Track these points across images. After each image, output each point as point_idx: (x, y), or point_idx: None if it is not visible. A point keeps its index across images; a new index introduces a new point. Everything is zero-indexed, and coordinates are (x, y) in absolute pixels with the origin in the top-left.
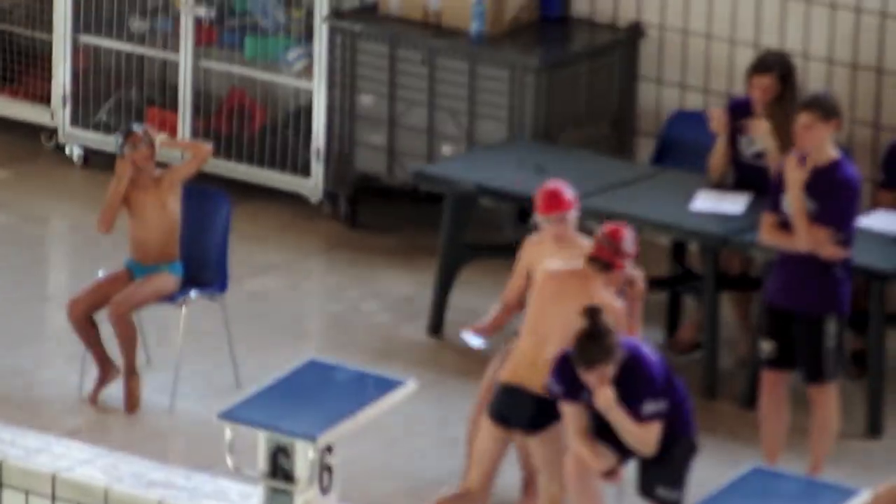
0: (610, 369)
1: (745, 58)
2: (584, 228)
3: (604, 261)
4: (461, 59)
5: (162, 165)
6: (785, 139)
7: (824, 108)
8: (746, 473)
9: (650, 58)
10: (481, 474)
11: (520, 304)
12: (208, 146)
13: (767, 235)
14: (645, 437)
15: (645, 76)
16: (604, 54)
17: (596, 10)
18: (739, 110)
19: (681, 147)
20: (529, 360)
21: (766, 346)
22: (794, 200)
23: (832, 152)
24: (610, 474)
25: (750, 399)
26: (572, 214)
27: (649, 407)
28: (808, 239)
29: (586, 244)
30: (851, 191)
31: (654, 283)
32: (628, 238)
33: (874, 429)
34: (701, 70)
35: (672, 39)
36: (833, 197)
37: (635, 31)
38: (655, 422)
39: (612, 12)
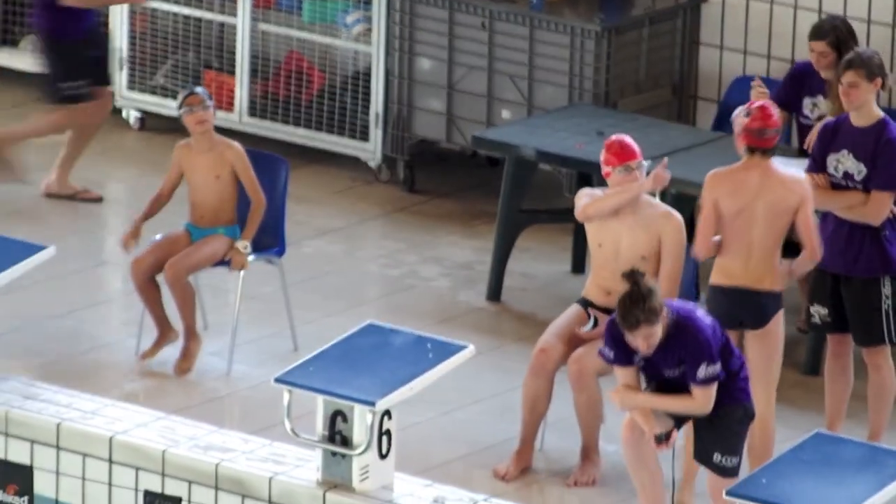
0: (656, 331)
1: (808, 23)
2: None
3: (759, 148)
4: (521, 24)
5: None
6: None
7: (868, 67)
8: (808, 439)
9: (712, 23)
10: None
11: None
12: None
13: (823, 198)
14: (696, 403)
15: (706, 41)
16: (665, 19)
17: None
18: (804, 75)
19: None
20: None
21: (820, 311)
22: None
23: (877, 111)
24: (663, 440)
25: (812, 366)
26: (643, 163)
27: (703, 370)
28: (873, 210)
29: (662, 205)
30: None
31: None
32: (765, 115)
33: None
34: (763, 35)
35: (734, 4)
36: (886, 159)
37: None
38: (710, 385)
39: None
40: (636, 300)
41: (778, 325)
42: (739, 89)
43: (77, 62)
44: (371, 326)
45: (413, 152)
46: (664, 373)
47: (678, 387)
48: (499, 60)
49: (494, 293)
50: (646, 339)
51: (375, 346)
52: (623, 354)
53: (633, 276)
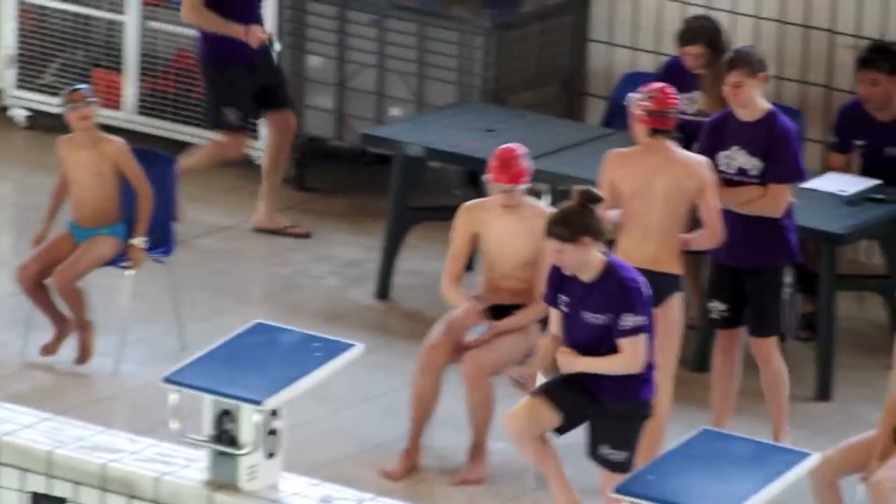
0: (567, 251)
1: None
2: (533, 191)
3: (660, 129)
4: (411, 21)
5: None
6: (722, 101)
7: (750, 64)
8: (695, 436)
9: (601, 19)
10: None
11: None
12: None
13: (720, 196)
14: (625, 357)
15: (596, 37)
16: (554, 15)
17: None
18: (674, 72)
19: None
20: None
21: (718, 306)
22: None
23: (764, 104)
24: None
25: (700, 363)
26: (524, 187)
27: (628, 320)
28: (772, 203)
29: (537, 207)
30: (794, 140)
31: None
32: (665, 95)
33: (823, 392)
34: (652, 31)
35: (623, 0)
36: (780, 151)
37: None
38: (635, 336)
39: None
40: (561, 215)
41: (674, 309)
42: (629, 85)
43: (235, 89)
44: (259, 325)
45: (303, 150)
46: (584, 317)
47: (595, 346)
48: (389, 58)
49: (383, 291)
50: (555, 255)
51: (263, 345)
52: (551, 293)
53: (581, 195)
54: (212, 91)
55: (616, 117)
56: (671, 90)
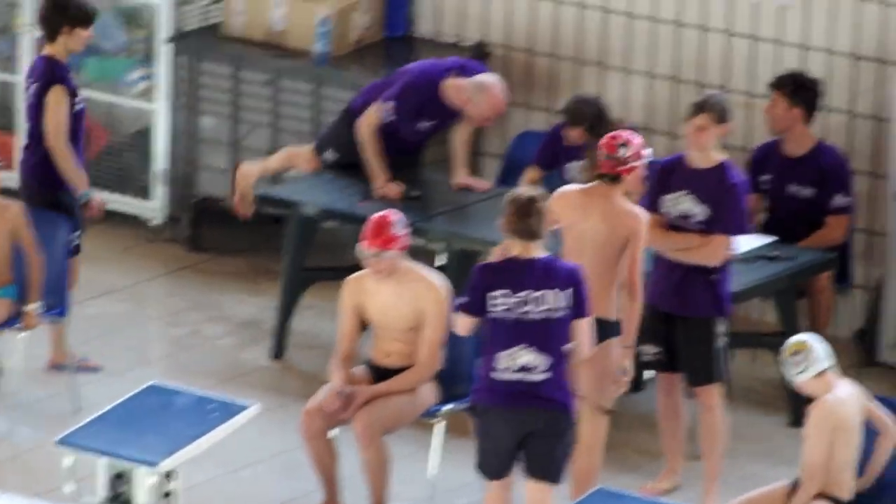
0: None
1: (591, 77)
2: (428, 252)
3: (609, 175)
4: (305, 80)
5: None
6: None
7: (718, 112)
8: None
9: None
10: None
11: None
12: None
13: (660, 238)
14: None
15: None
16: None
17: (440, 30)
18: (560, 141)
19: (525, 167)
20: None
21: (650, 350)
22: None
23: (717, 154)
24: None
25: None
26: (394, 254)
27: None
28: (713, 253)
29: (418, 271)
30: (743, 193)
31: None
32: (625, 142)
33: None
34: (546, 90)
35: (517, 59)
36: (728, 202)
37: (480, 51)
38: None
39: (457, 31)
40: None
41: (609, 354)
42: (523, 144)
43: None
44: (154, 387)
45: (197, 210)
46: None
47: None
48: (283, 118)
49: (278, 351)
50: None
51: (159, 406)
52: (479, 299)
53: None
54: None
55: (511, 176)
56: (620, 137)
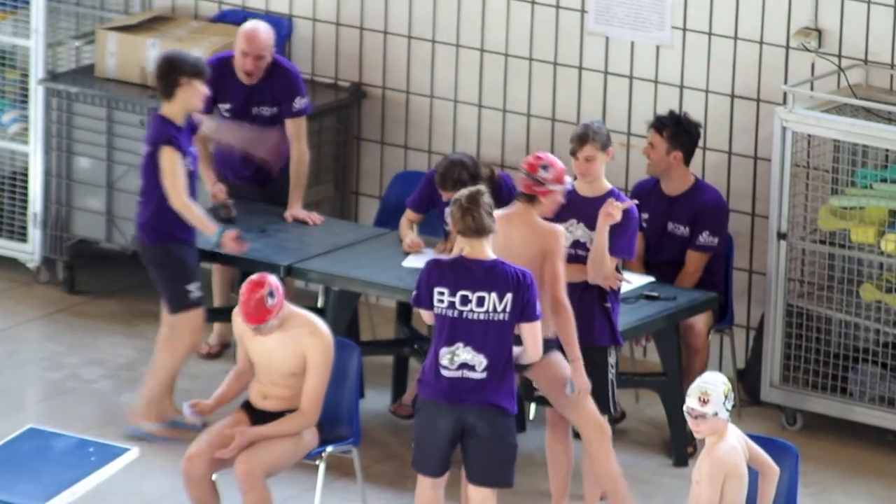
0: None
1: (468, 117)
2: (307, 292)
3: (527, 194)
4: None
5: None
6: None
7: (602, 139)
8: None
9: (373, 118)
10: None
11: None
12: None
13: None
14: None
15: (367, 137)
16: (325, 115)
17: (317, 71)
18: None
19: (403, 208)
20: None
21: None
22: (602, 239)
23: (606, 182)
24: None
25: None
26: (272, 323)
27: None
28: (604, 272)
29: (302, 316)
30: (633, 219)
31: (380, 346)
32: (547, 165)
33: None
34: (424, 130)
35: (394, 99)
36: (619, 228)
37: (357, 92)
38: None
39: (334, 73)
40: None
41: (551, 364)
42: (401, 185)
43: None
44: (32, 430)
45: (72, 252)
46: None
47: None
48: None
49: None
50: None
51: (37, 450)
52: (427, 293)
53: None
54: None
55: (389, 216)
56: (543, 159)
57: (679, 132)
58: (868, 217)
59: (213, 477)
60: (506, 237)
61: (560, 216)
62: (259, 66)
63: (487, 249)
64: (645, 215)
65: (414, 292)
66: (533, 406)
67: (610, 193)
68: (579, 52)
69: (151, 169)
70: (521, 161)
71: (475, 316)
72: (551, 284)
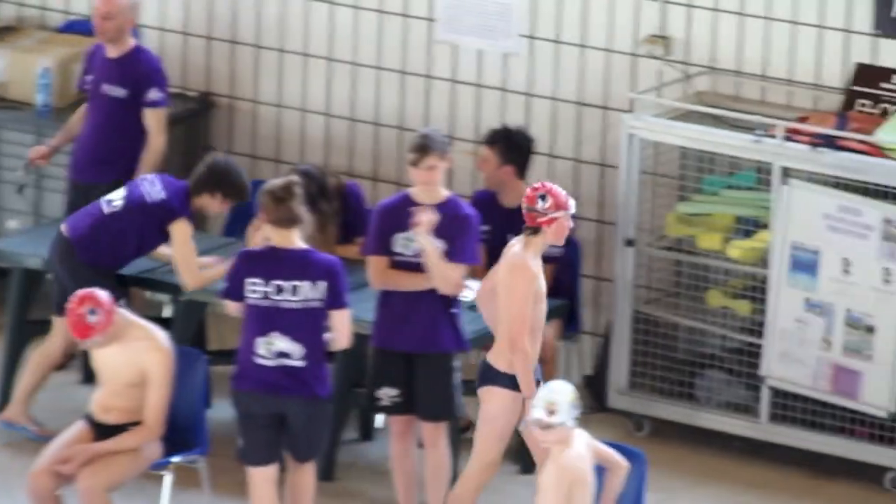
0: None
1: (317, 127)
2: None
3: (530, 227)
4: (27, 132)
5: None
6: (328, 239)
7: (442, 147)
8: None
9: (220, 128)
10: None
11: None
12: None
13: (382, 278)
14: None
15: (216, 146)
16: (173, 125)
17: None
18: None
19: (252, 217)
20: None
21: (389, 392)
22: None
23: (444, 190)
24: None
25: (326, 473)
26: (97, 339)
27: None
28: (450, 279)
29: (143, 328)
30: (475, 225)
31: (228, 356)
32: (545, 194)
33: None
34: (272, 140)
35: (243, 109)
36: (462, 234)
37: (205, 102)
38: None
39: (182, 82)
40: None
41: (490, 401)
42: (252, 194)
43: None
44: None
45: None
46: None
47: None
48: (4, 169)
49: (3, 406)
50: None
51: None
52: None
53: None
54: None
55: (237, 225)
56: (541, 189)
57: (510, 147)
58: (715, 224)
59: (58, 492)
60: (497, 272)
61: (398, 226)
62: (105, 26)
63: (297, 239)
64: (485, 227)
65: (224, 285)
66: (381, 416)
67: (451, 200)
68: (427, 60)
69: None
70: (522, 198)
71: (290, 305)
72: (508, 324)
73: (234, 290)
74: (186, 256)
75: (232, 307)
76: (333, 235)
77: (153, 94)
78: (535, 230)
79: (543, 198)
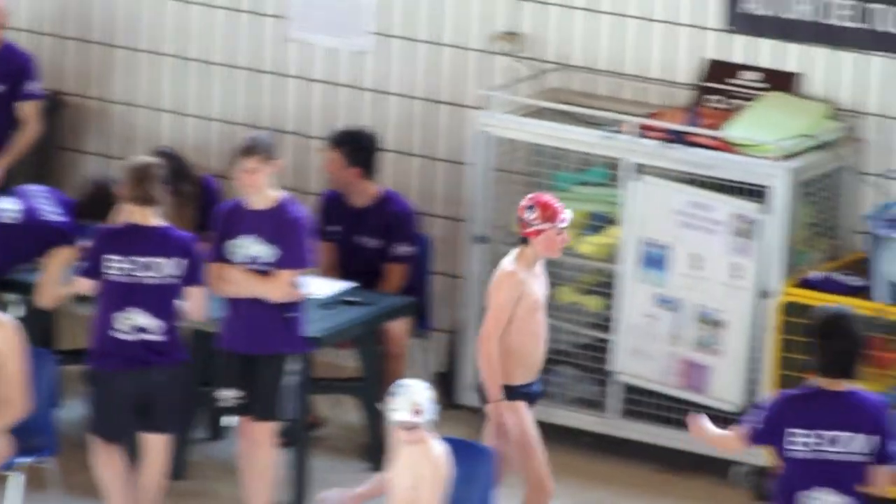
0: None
1: (171, 126)
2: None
3: (522, 237)
4: None
5: None
6: (185, 220)
7: (267, 151)
8: None
9: (72, 127)
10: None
11: None
12: None
13: (216, 284)
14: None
15: (66, 146)
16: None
17: None
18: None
19: None
20: None
21: (230, 394)
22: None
23: (275, 193)
24: None
25: (177, 471)
26: None
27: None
28: (278, 289)
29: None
30: (304, 228)
31: (80, 355)
32: (532, 205)
33: (300, 498)
34: (124, 140)
35: (94, 109)
36: (292, 239)
37: (56, 101)
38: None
39: None
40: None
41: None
42: None
43: None
44: None
45: None
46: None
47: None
48: None
49: None
50: None
51: None
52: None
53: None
54: None
55: None
56: (531, 199)
57: (355, 149)
58: None
59: None
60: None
61: (231, 232)
62: None
63: (155, 218)
64: (334, 227)
65: (84, 264)
66: (232, 417)
67: (281, 204)
68: (280, 58)
69: None
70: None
71: (150, 281)
72: (483, 323)
73: (93, 268)
74: (56, 278)
75: (85, 284)
76: (190, 218)
77: (31, 86)
78: (524, 240)
79: (531, 209)
